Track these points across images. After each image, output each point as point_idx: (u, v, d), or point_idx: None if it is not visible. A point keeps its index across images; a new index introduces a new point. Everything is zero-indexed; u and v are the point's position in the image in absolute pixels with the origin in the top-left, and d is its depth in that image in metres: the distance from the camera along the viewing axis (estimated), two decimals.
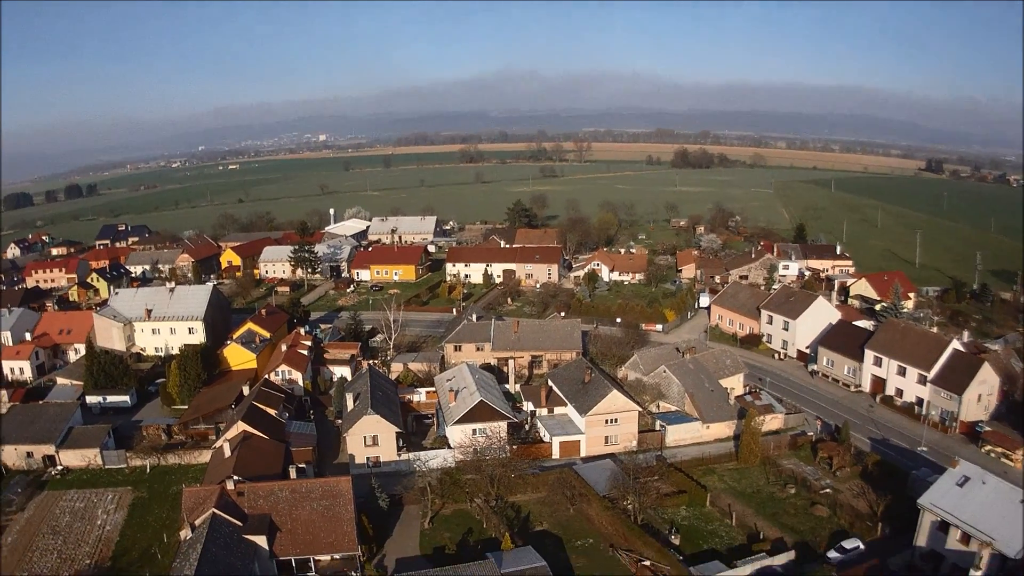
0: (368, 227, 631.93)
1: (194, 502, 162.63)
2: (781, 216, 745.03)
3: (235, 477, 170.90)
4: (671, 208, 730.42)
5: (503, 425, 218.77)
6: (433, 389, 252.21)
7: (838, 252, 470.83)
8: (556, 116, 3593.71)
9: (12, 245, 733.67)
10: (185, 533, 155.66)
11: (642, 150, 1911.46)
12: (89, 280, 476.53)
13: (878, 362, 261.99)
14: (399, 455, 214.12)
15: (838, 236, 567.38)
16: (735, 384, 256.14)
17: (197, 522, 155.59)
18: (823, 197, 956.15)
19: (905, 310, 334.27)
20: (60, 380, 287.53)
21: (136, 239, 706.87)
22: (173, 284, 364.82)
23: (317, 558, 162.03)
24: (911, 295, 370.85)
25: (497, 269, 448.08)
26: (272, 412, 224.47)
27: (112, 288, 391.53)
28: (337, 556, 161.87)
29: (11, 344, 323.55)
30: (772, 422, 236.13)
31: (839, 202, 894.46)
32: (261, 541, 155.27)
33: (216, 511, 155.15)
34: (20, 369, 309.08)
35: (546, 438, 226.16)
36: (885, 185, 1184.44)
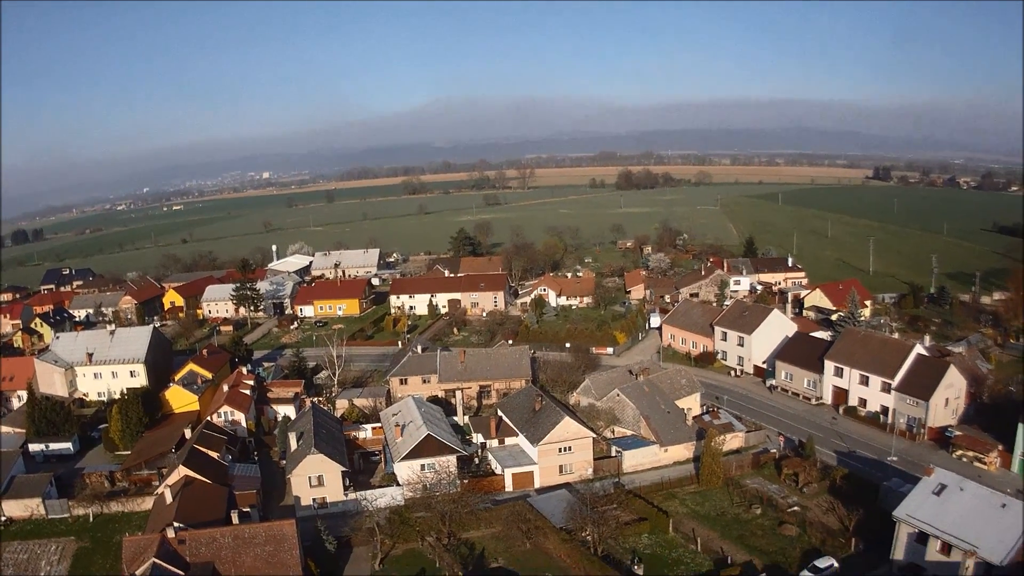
0: (311, 262, 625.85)
1: (134, 552, 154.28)
2: (729, 232, 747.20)
3: (176, 524, 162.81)
4: (617, 230, 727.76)
5: (452, 459, 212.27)
6: (379, 425, 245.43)
7: (790, 264, 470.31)
8: (499, 144, 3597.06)
9: None
10: None
11: (585, 174, 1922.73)
12: (33, 326, 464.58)
13: (839, 372, 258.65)
14: (346, 495, 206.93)
15: (788, 248, 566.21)
16: (692, 404, 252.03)
17: (138, 573, 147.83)
18: (771, 211, 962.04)
19: (863, 318, 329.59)
20: (3, 428, 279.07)
21: (80, 283, 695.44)
22: (113, 327, 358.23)
23: None
24: (867, 303, 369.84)
25: (442, 299, 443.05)
26: (214, 455, 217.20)
27: (55, 333, 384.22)
28: None
29: None
30: (733, 441, 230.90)
31: (787, 215, 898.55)
32: None
33: (156, 561, 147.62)
34: None
35: (498, 470, 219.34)
36: (833, 195, 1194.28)
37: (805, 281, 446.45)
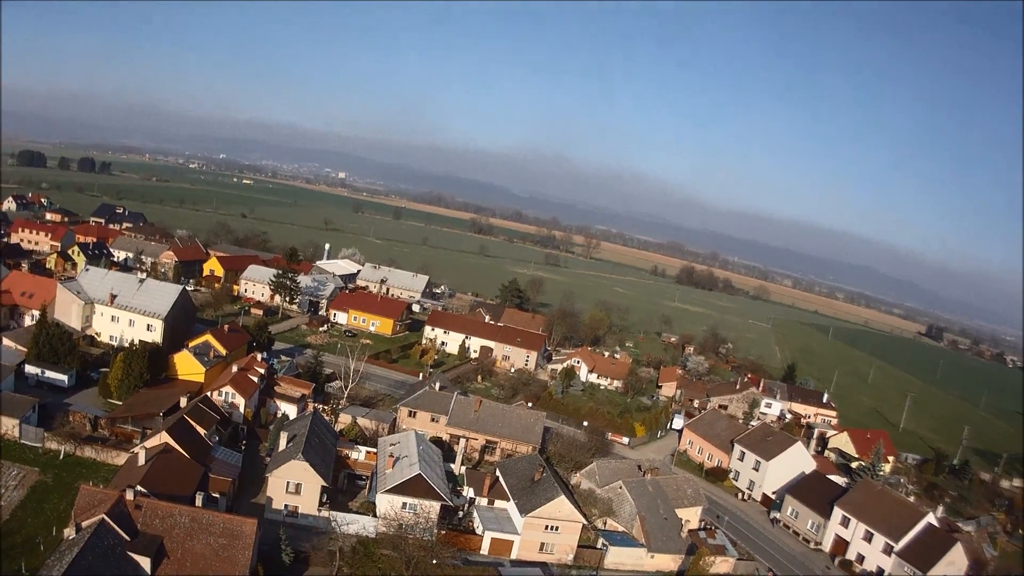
0: (359, 271, 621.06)
1: (88, 502, 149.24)
2: (774, 353, 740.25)
3: (139, 488, 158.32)
4: (665, 322, 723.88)
5: (436, 506, 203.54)
6: (375, 450, 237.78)
7: (824, 400, 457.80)
8: (572, 207, 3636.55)
9: (10, 198, 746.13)
10: (69, 532, 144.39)
11: (649, 259, 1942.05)
12: (70, 252, 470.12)
13: (845, 522, 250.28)
14: (319, 510, 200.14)
15: (827, 385, 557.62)
16: (691, 516, 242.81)
17: (84, 524, 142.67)
18: (820, 342, 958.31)
19: (881, 473, 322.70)
20: (6, 342, 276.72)
21: (129, 225, 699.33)
22: (144, 276, 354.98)
23: None
24: (890, 458, 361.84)
25: (475, 343, 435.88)
26: (202, 431, 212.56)
27: (86, 265, 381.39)
28: None
29: None
30: (722, 565, 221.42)
31: (834, 351, 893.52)
32: (144, 563, 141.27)
33: (106, 518, 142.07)
34: None
35: (479, 530, 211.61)
36: (883, 343, 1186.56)
37: (834, 421, 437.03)
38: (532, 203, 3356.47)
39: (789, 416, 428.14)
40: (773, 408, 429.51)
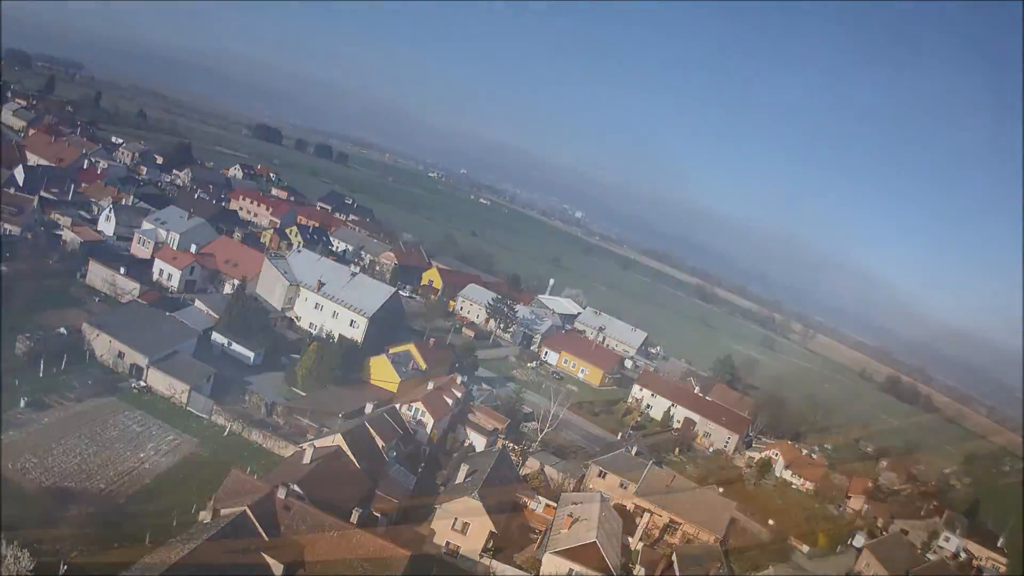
0: (579, 314, 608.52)
1: (235, 489, 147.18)
2: (961, 483, 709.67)
3: (294, 488, 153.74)
4: (864, 428, 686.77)
5: None
6: (555, 504, 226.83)
7: (999, 544, 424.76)
8: (798, 290, 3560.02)
9: (237, 166, 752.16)
10: (205, 516, 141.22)
11: (858, 361, 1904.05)
12: (288, 232, 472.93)
13: None
14: (481, 556, 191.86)
15: (1004, 526, 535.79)
16: None
17: (223, 511, 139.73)
18: (1003, 482, 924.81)
19: None
20: (199, 304, 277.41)
21: (356, 219, 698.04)
22: (357, 270, 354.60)
23: None
24: None
25: (680, 413, 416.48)
26: (380, 443, 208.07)
27: (299, 246, 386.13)
28: None
29: (175, 248, 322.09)
30: None
31: (1016, 491, 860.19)
32: (277, 569, 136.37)
33: (248, 511, 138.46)
34: (169, 275, 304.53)
35: None
36: None
37: (1003, 569, 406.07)
38: (756, 278, 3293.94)
39: (963, 555, 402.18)
40: (951, 543, 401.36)
